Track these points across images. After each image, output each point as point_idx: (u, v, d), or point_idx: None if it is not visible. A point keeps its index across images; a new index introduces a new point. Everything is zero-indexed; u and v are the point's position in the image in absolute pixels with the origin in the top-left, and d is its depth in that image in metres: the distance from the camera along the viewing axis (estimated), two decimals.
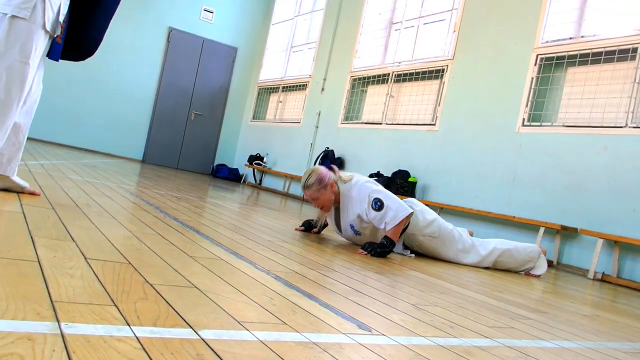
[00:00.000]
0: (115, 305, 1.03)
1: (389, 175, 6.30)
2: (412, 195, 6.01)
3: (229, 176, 10.17)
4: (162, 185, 4.99)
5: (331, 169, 3.13)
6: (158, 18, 10.01)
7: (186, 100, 10.40)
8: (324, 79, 8.56)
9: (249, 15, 10.88)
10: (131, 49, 9.73)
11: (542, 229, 4.63)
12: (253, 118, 10.65)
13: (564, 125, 4.91)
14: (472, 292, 2.24)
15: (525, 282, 3.10)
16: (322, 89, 8.56)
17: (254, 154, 9.73)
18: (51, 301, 0.98)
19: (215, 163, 10.69)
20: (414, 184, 6.08)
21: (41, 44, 2.11)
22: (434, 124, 6.29)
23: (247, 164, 9.77)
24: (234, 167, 10.57)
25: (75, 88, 9.22)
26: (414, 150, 6.46)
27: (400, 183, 6.03)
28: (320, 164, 7.67)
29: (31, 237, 1.54)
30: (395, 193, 6.04)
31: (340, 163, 7.56)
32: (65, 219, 2.00)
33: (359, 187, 3.03)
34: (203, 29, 10.40)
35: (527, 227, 4.92)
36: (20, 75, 2.05)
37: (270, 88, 10.32)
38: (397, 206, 2.92)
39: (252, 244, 2.32)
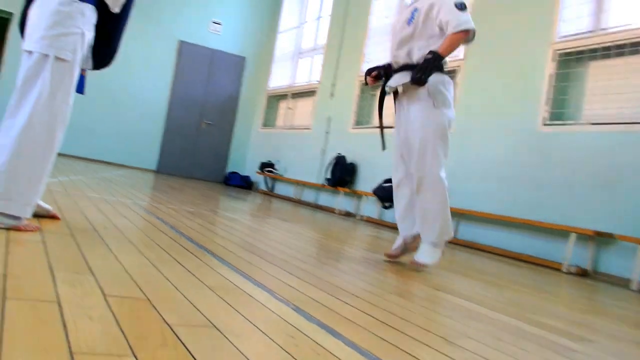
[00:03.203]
0: (135, 355, 1.03)
1: None
2: None
3: (241, 184, 10.20)
4: (175, 198, 5.01)
5: None
6: (168, 32, 10.10)
7: (197, 110, 10.45)
8: (333, 84, 8.55)
9: (256, 25, 10.91)
10: (143, 63, 9.81)
11: (573, 235, 4.41)
12: (263, 125, 10.67)
13: (590, 123, 4.73)
14: (504, 316, 2.11)
15: (560, 300, 3.05)
16: (332, 94, 8.55)
17: (265, 161, 9.75)
18: (70, 352, 0.98)
19: (227, 171, 10.73)
20: None
21: (75, 80, 2.18)
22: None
23: (259, 171, 9.79)
24: (246, 174, 10.59)
25: (90, 102, 9.26)
26: None
27: None
28: (332, 170, 7.66)
29: (51, 271, 1.54)
30: None
31: (353, 169, 7.54)
32: (85, 246, 2.01)
33: None
34: (212, 40, 10.46)
35: (557, 233, 4.71)
36: (64, 118, 2.12)
37: (280, 95, 10.34)
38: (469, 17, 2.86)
39: (268, 266, 2.31)
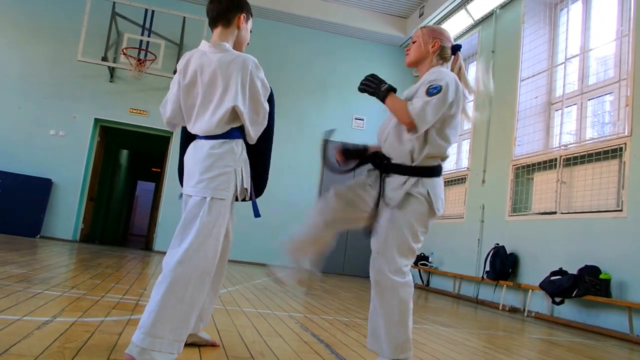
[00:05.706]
0: None
1: (575, 272, 5.59)
2: (607, 295, 5.22)
3: None
4: (329, 305, 4.96)
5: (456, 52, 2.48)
6: (313, 133, 10.64)
7: None
8: (484, 171, 8.20)
9: None
10: (289, 165, 10.38)
11: None
12: None
13: None
14: None
15: None
16: (483, 181, 8.18)
17: (419, 254, 9.43)
18: None
19: None
20: (607, 281, 5.29)
21: (228, 216, 2.27)
22: (620, 210, 5.54)
23: (413, 265, 9.49)
24: None
25: (242, 207, 9.96)
26: (600, 241, 5.70)
27: (591, 281, 5.30)
28: (491, 261, 7.16)
29: None
30: (585, 293, 5.33)
31: (515, 260, 6.96)
32: None
33: (443, 72, 2.37)
34: (355, 136, 10.77)
35: None
36: (215, 253, 2.19)
37: None
38: (433, 106, 2.22)
39: None
